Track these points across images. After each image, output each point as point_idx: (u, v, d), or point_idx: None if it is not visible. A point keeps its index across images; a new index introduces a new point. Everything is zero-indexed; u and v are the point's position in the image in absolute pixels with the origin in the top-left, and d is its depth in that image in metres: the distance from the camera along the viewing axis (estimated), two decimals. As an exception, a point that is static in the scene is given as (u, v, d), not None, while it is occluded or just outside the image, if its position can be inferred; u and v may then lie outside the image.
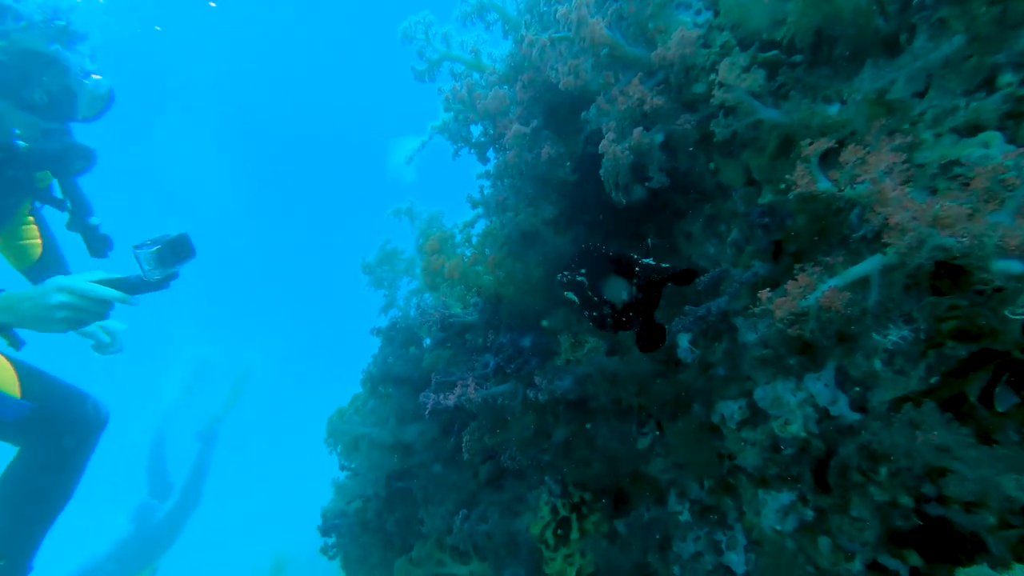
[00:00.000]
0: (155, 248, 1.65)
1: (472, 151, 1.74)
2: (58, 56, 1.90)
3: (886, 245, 0.85)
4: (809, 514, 1.34)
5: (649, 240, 1.76)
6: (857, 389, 1.22)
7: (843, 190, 0.85)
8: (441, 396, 1.62)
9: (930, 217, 0.72)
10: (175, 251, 1.69)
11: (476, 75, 1.71)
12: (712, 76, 1.04)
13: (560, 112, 1.62)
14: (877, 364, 1.14)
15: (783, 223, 1.26)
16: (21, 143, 1.85)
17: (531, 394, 1.71)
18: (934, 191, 0.82)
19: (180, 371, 8.04)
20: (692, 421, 1.70)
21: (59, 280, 1.62)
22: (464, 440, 1.88)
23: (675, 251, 1.74)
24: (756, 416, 1.51)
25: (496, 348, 1.81)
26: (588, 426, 1.90)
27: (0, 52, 1.83)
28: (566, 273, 1.37)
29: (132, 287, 1.70)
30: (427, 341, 2.27)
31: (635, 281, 1.31)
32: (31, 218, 2.23)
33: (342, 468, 2.28)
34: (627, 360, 1.78)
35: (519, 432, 1.93)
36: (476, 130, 1.69)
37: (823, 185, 0.87)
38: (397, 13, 1.81)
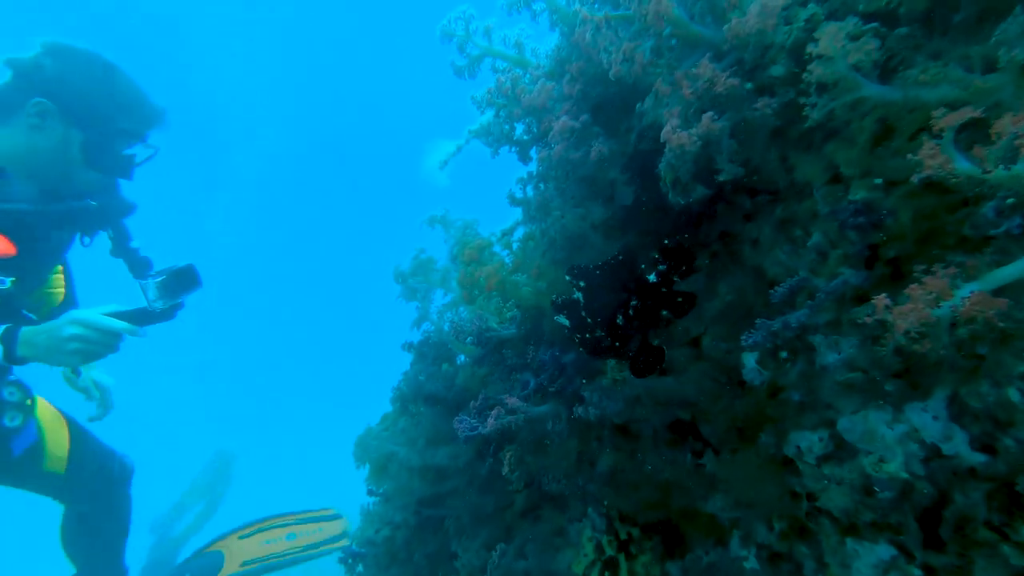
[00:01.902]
0: (160, 279, 1.70)
1: (513, 149, 1.62)
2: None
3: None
4: (916, 574, 1.12)
5: (664, 244, 1.61)
6: (981, 424, 1.01)
7: (991, 171, 0.67)
8: (476, 421, 1.47)
9: None
10: (180, 282, 1.74)
11: (519, 70, 1.60)
12: (810, 48, 0.87)
13: (611, 107, 1.48)
14: (1013, 394, 0.93)
15: (881, 223, 1.07)
16: (93, 203, 1.99)
17: (579, 411, 1.54)
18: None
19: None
20: (759, 453, 1.50)
21: (71, 313, 1.69)
22: (504, 461, 1.72)
23: (737, 260, 1.56)
24: (841, 450, 1.30)
25: (537, 366, 1.65)
26: (637, 454, 1.72)
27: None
28: (561, 296, 1.25)
29: (140, 318, 1.73)
30: (461, 358, 2.14)
31: (633, 302, 1.18)
32: (60, 267, 2.29)
33: (370, 493, 2.15)
34: (681, 381, 1.60)
35: (560, 459, 1.76)
36: (519, 127, 1.57)
37: (962, 166, 0.69)
38: (430, 15, 1.74)
